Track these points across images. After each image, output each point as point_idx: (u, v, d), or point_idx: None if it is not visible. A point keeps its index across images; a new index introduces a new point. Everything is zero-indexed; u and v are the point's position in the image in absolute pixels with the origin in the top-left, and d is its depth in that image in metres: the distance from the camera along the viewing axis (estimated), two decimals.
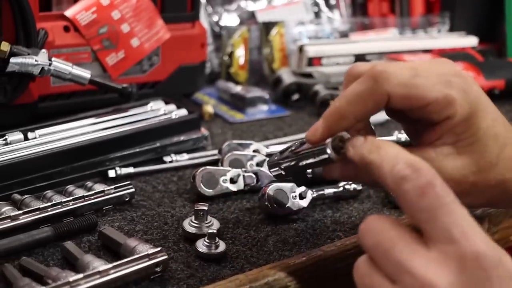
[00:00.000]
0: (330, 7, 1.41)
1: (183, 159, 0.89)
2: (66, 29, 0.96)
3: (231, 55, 1.26)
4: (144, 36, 1.02)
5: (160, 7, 1.04)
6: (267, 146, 0.91)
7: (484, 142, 0.59)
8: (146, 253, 0.61)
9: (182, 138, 0.91)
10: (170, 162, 0.88)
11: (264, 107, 1.13)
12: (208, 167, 0.80)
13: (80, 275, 0.57)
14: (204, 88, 1.21)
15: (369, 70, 0.56)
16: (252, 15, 1.35)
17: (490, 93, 1.29)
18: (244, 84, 1.26)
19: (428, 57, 1.34)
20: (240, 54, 1.26)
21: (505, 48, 1.52)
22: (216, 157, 0.90)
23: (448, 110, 0.57)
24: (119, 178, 0.83)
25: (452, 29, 1.53)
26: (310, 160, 0.60)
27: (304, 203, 0.76)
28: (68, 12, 0.96)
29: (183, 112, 0.94)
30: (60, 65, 0.88)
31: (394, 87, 0.55)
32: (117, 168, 0.84)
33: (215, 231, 0.66)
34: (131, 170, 0.84)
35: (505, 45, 1.52)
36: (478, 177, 0.59)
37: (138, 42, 1.01)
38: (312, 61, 1.26)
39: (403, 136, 0.98)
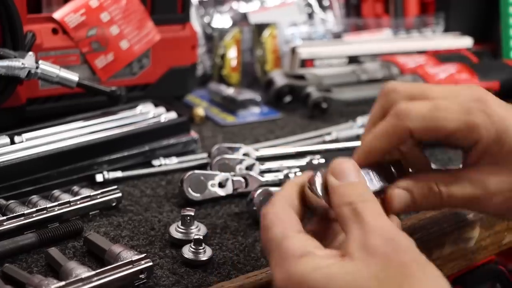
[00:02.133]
0: (323, 8, 1.40)
1: (172, 163, 0.88)
2: (55, 31, 0.95)
3: (223, 57, 1.25)
4: (134, 38, 1.01)
5: (150, 8, 1.03)
6: (257, 149, 0.90)
7: None
8: (130, 259, 0.60)
9: (171, 141, 0.90)
10: (159, 166, 0.87)
11: (256, 110, 1.12)
12: (196, 171, 0.79)
13: (62, 283, 0.56)
14: (196, 91, 1.21)
15: (393, 109, 0.60)
16: (244, 17, 1.34)
17: None
18: (237, 86, 1.25)
19: (422, 59, 1.33)
20: (232, 56, 1.25)
21: (500, 49, 1.51)
22: (205, 161, 0.89)
23: (473, 136, 0.58)
24: (107, 183, 0.82)
25: (447, 30, 1.52)
26: None
27: None
28: (57, 14, 0.95)
29: (172, 115, 0.93)
30: (48, 68, 0.87)
31: (415, 123, 0.58)
32: (105, 172, 0.83)
33: (201, 237, 0.65)
34: (119, 174, 0.83)
35: (500, 46, 1.51)
36: None
37: (128, 44, 1.00)
38: (305, 63, 1.25)
39: None
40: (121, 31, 0.99)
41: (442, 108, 0.58)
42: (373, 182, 0.60)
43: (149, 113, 0.93)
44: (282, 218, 0.55)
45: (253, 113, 1.12)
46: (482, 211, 0.68)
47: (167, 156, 0.89)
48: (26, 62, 0.85)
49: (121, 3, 0.99)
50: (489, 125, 0.57)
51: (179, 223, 0.69)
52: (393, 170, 0.63)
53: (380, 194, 0.60)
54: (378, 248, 0.48)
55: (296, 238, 0.52)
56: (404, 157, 0.63)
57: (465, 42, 1.46)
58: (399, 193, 0.60)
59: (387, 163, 0.63)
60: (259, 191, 0.74)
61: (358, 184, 0.55)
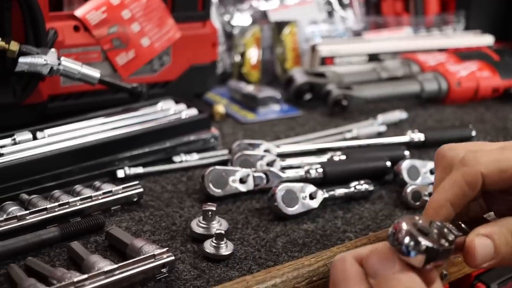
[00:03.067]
0: (343, 6, 1.39)
1: (193, 159, 0.88)
2: (76, 28, 0.95)
3: (243, 54, 1.25)
4: (155, 35, 1.01)
5: (171, 6, 1.04)
6: (278, 146, 0.90)
7: None
8: (152, 253, 0.61)
9: (192, 138, 0.90)
10: (180, 162, 0.87)
11: (276, 107, 1.12)
12: (217, 167, 0.79)
13: (85, 276, 0.56)
14: (216, 88, 1.21)
15: (459, 160, 0.56)
16: (264, 15, 1.33)
17: (506, 92, 1.28)
18: (256, 84, 1.25)
19: (443, 56, 1.32)
20: (252, 54, 1.25)
21: None
22: (226, 157, 0.89)
23: None
24: (128, 178, 0.83)
25: (467, 28, 1.51)
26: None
27: (315, 203, 0.75)
28: (78, 12, 0.96)
29: (193, 112, 0.93)
30: (69, 64, 0.88)
31: (486, 166, 0.55)
32: (126, 168, 0.83)
33: (223, 231, 0.65)
34: (140, 170, 0.84)
35: None
36: None
37: (149, 42, 1.01)
38: (325, 61, 1.24)
39: (416, 136, 0.96)
40: (142, 29, 1.00)
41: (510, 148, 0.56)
42: (446, 235, 0.52)
43: (169, 110, 0.93)
44: (349, 274, 0.51)
45: (273, 111, 1.11)
46: None
47: (188, 152, 0.89)
48: (49, 58, 0.85)
49: (142, 1, 0.99)
50: None
51: (201, 218, 0.69)
52: (464, 226, 0.57)
53: (454, 250, 0.53)
54: None
55: None
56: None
57: (486, 40, 1.45)
58: (480, 241, 0.53)
59: (457, 222, 0.57)
60: (280, 186, 0.74)
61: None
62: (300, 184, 0.75)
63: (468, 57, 1.34)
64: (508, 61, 1.36)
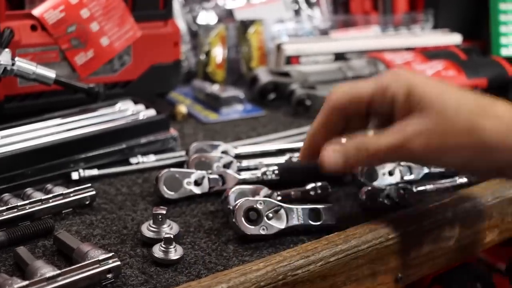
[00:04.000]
0: (310, 4, 1.38)
1: (150, 160, 0.87)
2: (34, 28, 0.94)
3: (208, 53, 1.24)
4: (114, 35, 1.00)
5: (131, 5, 1.03)
6: (235, 147, 0.89)
7: None
8: (97, 259, 0.59)
9: (149, 139, 0.89)
10: (136, 164, 0.86)
11: (239, 107, 1.11)
12: (172, 169, 0.78)
13: (26, 282, 0.55)
14: (180, 88, 1.20)
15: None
16: (230, 13, 1.33)
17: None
18: (222, 83, 1.24)
19: (410, 55, 1.32)
20: (218, 53, 1.24)
21: (489, 46, 1.50)
22: (183, 159, 0.88)
23: (387, 95, 0.66)
24: (82, 181, 0.81)
25: (436, 26, 1.51)
26: None
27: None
28: (36, 11, 0.94)
29: (151, 112, 0.92)
30: (24, 65, 0.86)
31: (339, 98, 0.68)
32: (81, 170, 0.82)
33: (171, 236, 0.64)
34: (95, 172, 0.82)
35: (490, 42, 1.50)
36: None
37: (108, 41, 0.99)
38: (290, 60, 1.24)
39: None
40: (101, 28, 0.98)
41: (360, 83, 0.69)
42: None
43: (127, 111, 0.92)
44: None
45: (237, 111, 1.11)
46: (409, 158, 0.71)
47: (145, 154, 0.88)
48: (2, 59, 0.84)
49: (102, 0, 0.98)
50: (398, 83, 0.65)
51: (151, 221, 0.68)
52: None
53: None
54: None
55: None
56: None
57: (454, 39, 1.45)
58: (325, 153, 0.67)
59: None
60: (233, 189, 0.73)
61: None
62: (255, 186, 0.75)
63: (435, 56, 1.34)
64: (475, 61, 1.37)
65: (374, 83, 0.67)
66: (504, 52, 1.49)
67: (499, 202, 0.81)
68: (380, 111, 0.67)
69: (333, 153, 0.66)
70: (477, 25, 1.58)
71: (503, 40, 1.49)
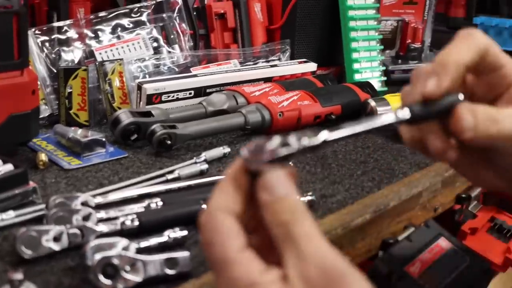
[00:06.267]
0: (170, 41, 1.42)
1: (9, 217, 0.87)
2: None
3: (69, 96, 1.24)
4: None
5: None
6: (95, 196, 0.91)
7: None
8: None
9: (8, 194, 0.89)
10: None
11: (101, 150, 1.13)
12: (30, 226, 0.79)
13: None
14: (42, 134, 1.19)
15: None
16: (91, 54, 1.34)
17: (327, 118, 1.36)
18: (86, 125, 1.25)
19: (268, 86, 1.38)
20: (79, 94, 1.25)
21: (344, 72, 1.61)
22: (44, 212, 0.88)
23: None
24: None
25: (293, 56, 1.59)
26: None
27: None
28: None
29: (9, 167, 0.92)
30: None
31: (483, 42, 0.67)
32: None
33: None
34: None
35: (344, 68, 1.60)
36: None
37: None
38: (152, 98, 1.27)
39: None
40: None
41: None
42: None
43: None
44: (220, 231, 0.54)
45: (100, 155, 1.12)
46: None
47: (4, 210, 0.88)
48: None
49: None
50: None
51: (8, 286, 0.69)
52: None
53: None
54: (316, 281, 0.50)
55: (238, 264, 0.53)
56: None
57: (310, 67, 1.53)
58: (465, 113, 0.63)
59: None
60: (91, 244, 0.75)
61: (289, 199, 0.54)
62: (113, 239, 0.77)
63: (292, 86, 1.41)
64: (328, 88, 1.45)
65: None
66: (357, 77, 1.60)
67: None
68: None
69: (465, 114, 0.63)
70: (333, 53, 1.68)
71: (355, 65, 1.59)
